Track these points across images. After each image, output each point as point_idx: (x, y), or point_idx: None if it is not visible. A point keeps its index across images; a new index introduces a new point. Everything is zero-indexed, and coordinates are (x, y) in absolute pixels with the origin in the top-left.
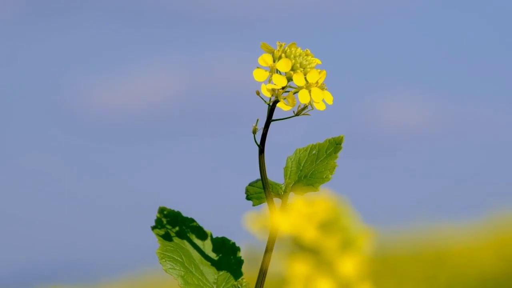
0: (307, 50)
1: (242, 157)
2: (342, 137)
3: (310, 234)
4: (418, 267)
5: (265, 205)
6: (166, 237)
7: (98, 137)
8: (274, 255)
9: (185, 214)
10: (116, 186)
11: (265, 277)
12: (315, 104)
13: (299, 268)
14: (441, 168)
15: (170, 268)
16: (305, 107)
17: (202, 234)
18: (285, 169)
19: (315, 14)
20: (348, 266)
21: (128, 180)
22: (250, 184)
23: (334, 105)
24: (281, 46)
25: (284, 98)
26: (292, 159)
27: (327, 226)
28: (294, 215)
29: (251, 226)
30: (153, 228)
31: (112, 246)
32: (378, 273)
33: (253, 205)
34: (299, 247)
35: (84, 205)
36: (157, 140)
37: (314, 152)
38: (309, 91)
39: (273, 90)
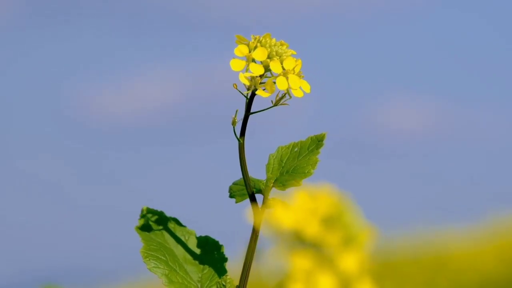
0: (281, 41)
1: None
2: (324, 134)
3: (312, 229)
4: (419, 270)
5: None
6: (149, 236)
7: (100, 142)
8: (276, 250)
9: (183, 217)
10: (119, 191)
11: (249, 271)
12: (292, 91)
13: (301, 263)
14: (441, 171)
15: (154, 266)
16: (283, 96)
17: (185, 233)
18: (267, 165)
19: (316, 18)
20: (350, 262)
21: (132, 185)
22: (233, 183)
23: (335, 108)
24: (255, 38)
25: (263, 87)
26: (274, 157)
27: (330, 221)
28: (297, 209)
29: (249, 220)
30: (137, 227)
31: (115, 251)
32: (378, 276)
33: (236, 202)
34: (301, 242)
35: (85, 210)
36: (159, 146)
37: (296, 149)
38: (287, 78)
39: (251, 78)
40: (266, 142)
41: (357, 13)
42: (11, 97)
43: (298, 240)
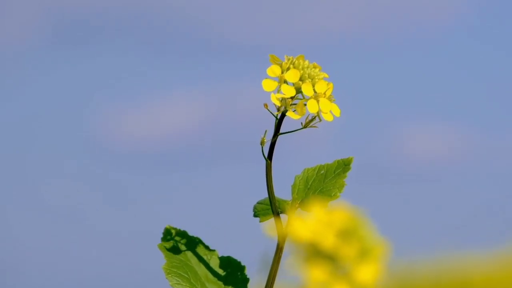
0: (314, 63)
1: (263, 185)
2: (351, 159)
3: (328, 241)
4: None
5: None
6: (172, 254)
7: (122, 166)
8: (292, 261)
9: (205, 238)
10: (141, 216)
11: (273, 283)
12: (323, 115)
13: (316, 274)
14: (464, 197)
15: (176, 283)
16: (313, 118)
17: (207, 252)
18: (293, 186)
19: (339, 42)
20: (365, 274)
21: (154, 209)
22: (258, 202)
23: (358, 132)
24: (289, 59)
25: (293, 108)
26: (300, 178)
27: (346, 234)
28: (313, 222)
29: (268, 233)
30: (160, 245)
31: (140, 276)
32: None
33: (260, 221)
34: (317, 253)
35: (109, 235)
36: (180, 170)
37: (322, 172)
38: (318, 101)
39: (282, 99)
40: (287, 163)
41: (381, 40)
42: (34, 119)
43: (314, 252)
